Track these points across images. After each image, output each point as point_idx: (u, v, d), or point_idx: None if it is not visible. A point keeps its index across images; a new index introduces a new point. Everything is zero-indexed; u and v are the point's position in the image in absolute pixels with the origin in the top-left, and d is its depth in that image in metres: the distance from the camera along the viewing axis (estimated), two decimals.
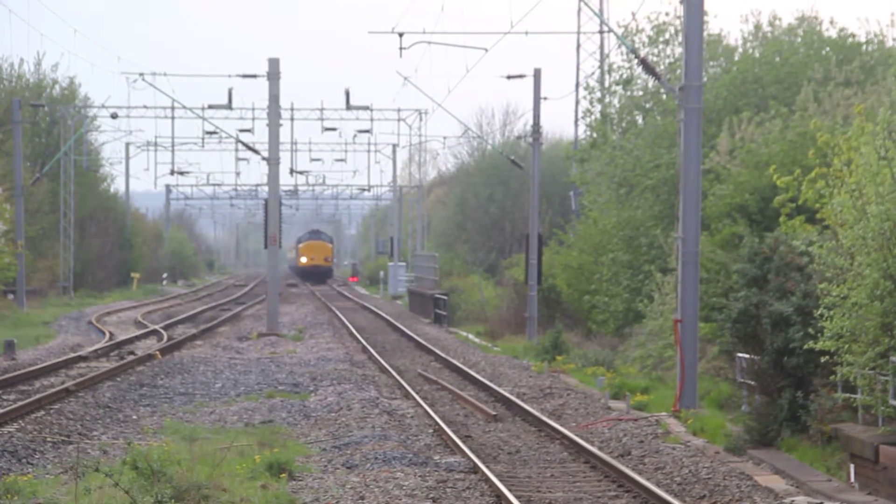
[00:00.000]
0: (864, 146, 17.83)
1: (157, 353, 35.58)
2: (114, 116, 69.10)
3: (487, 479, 17.31)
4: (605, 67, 50.05)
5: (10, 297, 58.61)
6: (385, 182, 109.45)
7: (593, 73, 57.32)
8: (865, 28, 41.25)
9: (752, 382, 21.65)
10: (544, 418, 23.29)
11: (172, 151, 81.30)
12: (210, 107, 61.52)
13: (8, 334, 39.90)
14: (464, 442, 20.70)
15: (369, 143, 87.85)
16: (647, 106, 43.42)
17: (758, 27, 43.14)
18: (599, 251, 41.41)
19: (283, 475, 17.27)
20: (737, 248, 26.68)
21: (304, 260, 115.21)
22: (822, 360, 18.39)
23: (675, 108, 26.54)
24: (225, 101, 57.43)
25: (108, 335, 42.84)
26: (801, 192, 22.28)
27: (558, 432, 21.73)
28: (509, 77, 47.28)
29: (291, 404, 25.79)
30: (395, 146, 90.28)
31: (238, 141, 62.95)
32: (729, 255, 27.68)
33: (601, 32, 59.61)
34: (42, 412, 23.24)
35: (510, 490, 16.44)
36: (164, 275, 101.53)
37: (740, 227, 28.83)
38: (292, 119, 77.16)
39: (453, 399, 27.79)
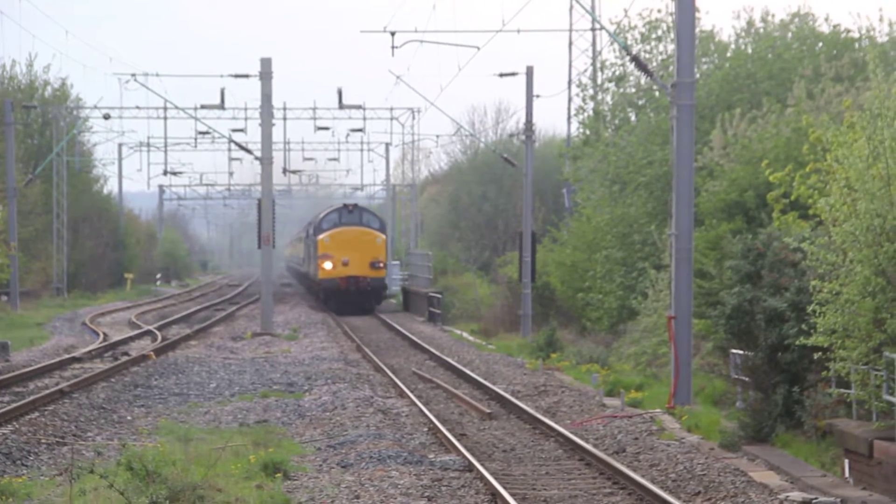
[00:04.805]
0: (855, 142, 17.82)
1: (152, 353, 35.54)
2: (106, 117, 68.90)
3: (482, 478, 17.31)
4: (598, 65, 50.09)
5: (4, 298, 58.58)
6: (378, 181, 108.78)
7: (586, 71, 57.42)
8: (858, 23, 41.25)
9: (747, 378, 21.66)
10: (539, 416, 23.30)
11: (165, 152, 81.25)
12: (202, 107, 61.35)
13: (2, 336, 39.85)
14: (458, 440, 20.70)
15: (362, 142, 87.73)
16: (640, 103, 43.42)
17: (750, 23, 43.14)
18: (593, 248, 41.42)
19: (279, 475, 17.27)
20: (731, 244, 26.67)
21: (327, 266, 60.14)
22: (816, 355, 18.41)
23: (668, 104, 26.57)
24: (217, 100, 57.34)
25: (102, 336, 42.80)
26: (794, 187, 22.30)
27: (553, 430, 21.74)
28: (501, 75, 47.31)
29: (286, 404, 25.79)
30: (388, 145, 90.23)
31: (231, 141, 62.92)
32: (726, 252, 27.64)
33: (593, 30, 59.69)
34: (36, 413, 23.22)
35: (505, 488, 16.44)
36: (158, 275, 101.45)
37: (736, 224, 28.82)
38: (285, 118, 76.97)
39: (448, 397, 27.79)
